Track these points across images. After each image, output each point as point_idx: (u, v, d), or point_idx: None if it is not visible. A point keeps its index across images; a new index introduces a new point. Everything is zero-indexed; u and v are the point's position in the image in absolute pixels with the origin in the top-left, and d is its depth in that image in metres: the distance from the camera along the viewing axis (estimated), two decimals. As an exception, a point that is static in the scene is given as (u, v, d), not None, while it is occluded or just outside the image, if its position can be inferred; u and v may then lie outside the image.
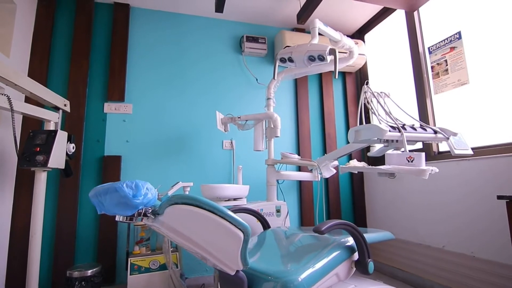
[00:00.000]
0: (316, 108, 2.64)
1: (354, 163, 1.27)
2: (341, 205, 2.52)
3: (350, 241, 1.21)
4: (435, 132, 1.47)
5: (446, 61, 1.95)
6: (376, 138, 1.52)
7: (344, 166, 1.38)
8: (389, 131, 1.42)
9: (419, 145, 2.13)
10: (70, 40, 2.11)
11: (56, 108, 1.69)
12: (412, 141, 1.61)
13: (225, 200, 1.65)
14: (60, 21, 2.13)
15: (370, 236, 1.42)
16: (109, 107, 2.13)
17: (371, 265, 1.14)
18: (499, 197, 1.13)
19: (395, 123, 1.47)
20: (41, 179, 1.52)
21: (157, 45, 2.32)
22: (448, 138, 1.41)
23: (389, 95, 1.81)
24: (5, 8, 1.77)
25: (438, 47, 2.00)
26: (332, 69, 1.93)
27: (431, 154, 2.03)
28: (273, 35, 2.59)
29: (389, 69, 2.54)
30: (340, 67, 1.85)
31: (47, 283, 1.83)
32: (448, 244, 1.80)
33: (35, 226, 1.48)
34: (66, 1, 2.15)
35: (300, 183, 2.46)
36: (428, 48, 2.08)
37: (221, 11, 2.08)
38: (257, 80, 2.49)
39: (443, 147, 2.01)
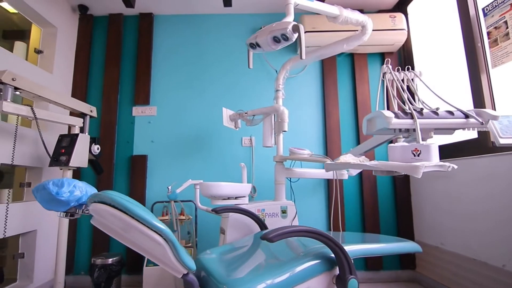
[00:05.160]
0: (347, 97, 2.34)
1: (345, 158, 1.03)
2: (379, 208, 2.18)
3: (337, 251, 1.02)
4: (467, 116, 1.12)
5: (506, 22, 1.48)
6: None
7: (330, 162, 1.16)
8: (399, 117, 1.15)
9: (474, 135, 1.68)
10: (104, 53, 2.37)
11: (83, 114, 1.91)
12: (445, 130, 1.27)
13: (223, 199, 1.59)
14: (97, 37, 2.41)
15: (380, 247, 1.18)
16: (137, 111, 2.31)
17: (352, 283, 0.93)
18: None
19: (409, 108, 1.18)
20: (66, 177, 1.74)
21: (178, 48, 2.41)
22: (483, 124, 1.05)
23: (419, 75, 1.48)
24: (47, 32, 2.09)
25: (495, 6, 1.53)
26: (369, 48, 1.65)
27: (489, 145, 1.58)
28: (294, 22, 2.40)
29: (440, 44, 2.07)
30: (352, 46, 1.58)
31: (86, 268, 2.09)
32: (510, 263, 1.37)
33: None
34: (101, 19, 2.42)
35: (328, 181, 2.22)
36: (483, 9, 1.61)
37: (230, 5, 2.02)
38: (276, 71, 2.34)
39: (506, 135, 1.53)
